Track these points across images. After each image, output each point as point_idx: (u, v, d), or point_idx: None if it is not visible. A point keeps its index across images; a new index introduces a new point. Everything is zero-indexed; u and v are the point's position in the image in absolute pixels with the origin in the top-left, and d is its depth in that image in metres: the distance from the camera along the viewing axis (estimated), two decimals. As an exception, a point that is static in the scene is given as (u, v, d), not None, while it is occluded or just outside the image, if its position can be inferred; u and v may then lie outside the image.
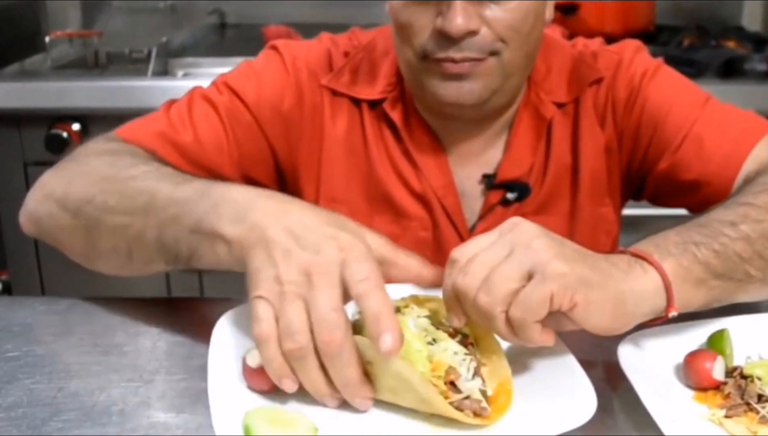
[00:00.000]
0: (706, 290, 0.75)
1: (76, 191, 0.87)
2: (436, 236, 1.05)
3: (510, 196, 1.04)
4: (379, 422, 0.69)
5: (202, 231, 0.74)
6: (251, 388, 0.71)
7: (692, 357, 0.74)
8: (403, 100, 1.05)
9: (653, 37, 2.17)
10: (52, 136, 1.81)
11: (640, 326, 0.75)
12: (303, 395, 0.70)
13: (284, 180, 1.09)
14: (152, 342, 0.82)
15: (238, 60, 1.09)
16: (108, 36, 2.21)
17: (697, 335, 0.78)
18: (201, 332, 0.85)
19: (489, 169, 1.05)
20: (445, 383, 0.68)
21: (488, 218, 1.04)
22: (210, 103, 1.02)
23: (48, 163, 0.96)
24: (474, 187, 1.06)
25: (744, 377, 0.73)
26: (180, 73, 1.98)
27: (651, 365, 0.74)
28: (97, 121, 1.82)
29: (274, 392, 0.70)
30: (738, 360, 0.76)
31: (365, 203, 1.06)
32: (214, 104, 1.02)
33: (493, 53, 0.93)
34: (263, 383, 0.70)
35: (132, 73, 2.02)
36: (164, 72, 1.96)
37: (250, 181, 1.04)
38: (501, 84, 0.96)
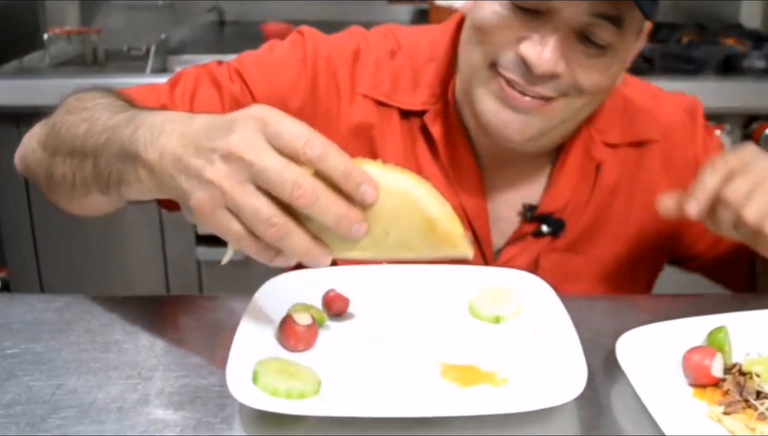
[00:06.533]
0: None
1: (48, 124, 0.89)
2: None
3: (545, 229, 1.01)
4: (380, 380, 0.73)
5: (125, 156, 0.73)
6: (286, 346, 0.76)
7: (691, 354, 0.74)
8: (446, 114, 0.99)
9: (652, 34, 2.16)
10: (50, 133, 1.81)
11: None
12: (318, 352, 0.76)
13: None
14: (151, 339, 0.82)
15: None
16: (107, 33, 2.21)
17: (696, 332, 0.78)
18: (199, 329, 0.85)
19: (528, 198, 1.02)
20: None
21: (517, 244, 1.01)
22: (217, 87, 0.99)
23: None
24: (508, 212, 1.02)
25: (743, 373, 0.73)
26: (179, 70, 1.98)
27: (649, 362, 0.74)
28: (96, 119, 1.82)
29: (303, 351, 0.76)
30: (737, 357, 0.76)
31: None
32: (220, 89, 0.99)
33: (565, 95, 0.89)
34: (299, 342, 0.76)
35: (131, 70, 2.02)
36: (163, 69, 1.96)
37: None
38: (554, 126, 0.93)
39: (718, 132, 1.84)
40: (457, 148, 0.99)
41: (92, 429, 0.68)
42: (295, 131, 0.65)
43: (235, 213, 0.65)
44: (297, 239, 0.66)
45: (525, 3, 0.86)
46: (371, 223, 0.67)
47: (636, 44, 0.94)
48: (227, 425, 0.68)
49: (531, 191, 1.02)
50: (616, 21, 0.85)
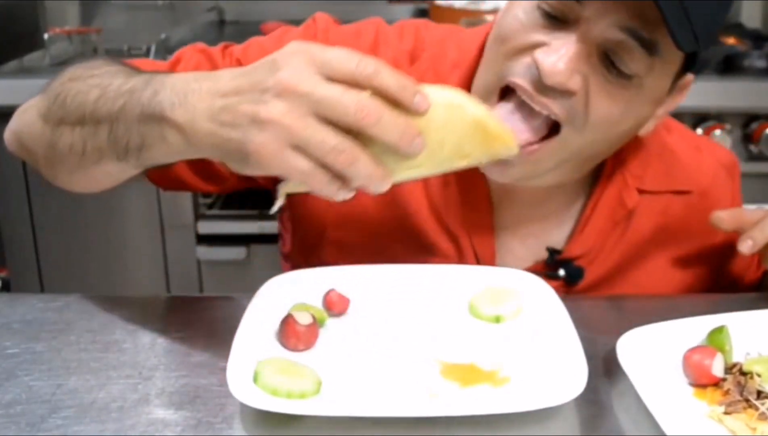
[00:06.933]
0: None
1: (48, 96, 0.85)
2: None
3: (561, 273, 0.96)
4: (380, 380, 0.73)
5: (148, 118, 0.71)
6: (287, 346, 0.76)
7: (691, 354, 0.74)
8: None
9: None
10: (50, 133, 1.80)
11: None
12: (319, 352, 0.77)
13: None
14: (151, 339, 0.82)
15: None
16: (107, 33, 2.21)
17: (696, 332, 0.78)
18: (199, 329, 0.85)
19: (543, 237, 0.97)
20: None
21: None
22: None
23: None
24: (518, 248, 0.96)
25: (743, 373, 0.73)
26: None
27: (650, 362, 0.74)
28: (96, 119, 1.82)
29: (303, 351, 0.76)
30: (737, 357, 0.76)
31: (385, 228, 0.96)
32: None
33: (562, 128, 0.82)
34: (299, 342, 0.76)
35: (131, 69, 2.01)
36: (163, 69, 1.95)
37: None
38: (544, 171, 0.87)
39: (717, 132, 1.84)
40: (469, 171, 0.92)
41: (92, 429, 0.68)
42: (344, 55, 0.65)
43: (301, 148, 0.64)
44: (364, 163, 0.65)
45: (552, 7, 0.80)
46: (426, 136, 0.67)
47: (672, 97, 0.88)
48: (228, 425, 0.68)
49: (549, 232, 0.97)
50: (648, 46, 0.78)
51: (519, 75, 0.82)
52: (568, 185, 0.96)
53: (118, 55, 2.15)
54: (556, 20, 0.80)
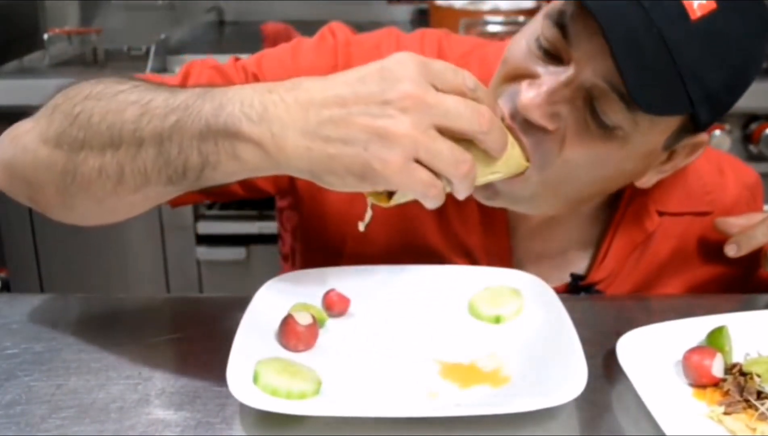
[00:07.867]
0: None
1: (58, 117, 0.75)
2: None
3: (582, 296, 0.95)
4: (380, 380, 0.73)
5: (215, 134, 0.65)
6: (287, 346, 0.76)
7: (691, 354, 0.74)
8: None
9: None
10: (50, 133, 1.80)
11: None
12: (319, 352, 0.76)
13: (299, 205, 0.97)
14: (151, 339, 0.82)
15: (237, 57, 1.08)
16: (106, 33, 2.21)
17: (696, 332, 0.78)
18: (199, 329, 0.85)
19: (564, 268, 0.96)
20: None
21: None
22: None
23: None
24: (534, 267, 0.93)
25: (743, 374, 0.73)
26: (178, 70, 1.97)
27: (650, 362, 0.74)
28: (96, 119, 1.82)
29: (303, 351, 0.76)
30: (737, 357, 0.76)
31: (400, 250, 0.94)
32: None
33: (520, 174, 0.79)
34: (299, 342, 0.76)
35: (130, 70, 1.99)
36: (163, 69, 1.95)
37: (251, 187, 0.94)
38: (528, 196, 0.83)
39: (717, 132, 1.84)
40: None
41: (92, 429, 0.68)
42: (449, 67, 0.66)
43: (426, 161, 0.64)
44: (474, 171, 0.67)
45: (548, 42, 0.77)
46: None
47: (682, 156, 0.85)
48: (227, 426, 0.68)
49: (567, 263, 0.96)
50: (626, 100, 0.74)
51: (504, 99, 0.80)
52: (579, 218, 0.95)
53: (117, 55, 2.15)
54: (553, 57, 0.78)
